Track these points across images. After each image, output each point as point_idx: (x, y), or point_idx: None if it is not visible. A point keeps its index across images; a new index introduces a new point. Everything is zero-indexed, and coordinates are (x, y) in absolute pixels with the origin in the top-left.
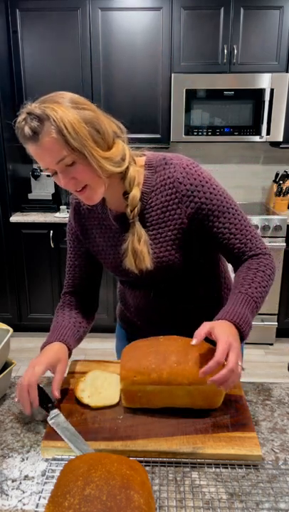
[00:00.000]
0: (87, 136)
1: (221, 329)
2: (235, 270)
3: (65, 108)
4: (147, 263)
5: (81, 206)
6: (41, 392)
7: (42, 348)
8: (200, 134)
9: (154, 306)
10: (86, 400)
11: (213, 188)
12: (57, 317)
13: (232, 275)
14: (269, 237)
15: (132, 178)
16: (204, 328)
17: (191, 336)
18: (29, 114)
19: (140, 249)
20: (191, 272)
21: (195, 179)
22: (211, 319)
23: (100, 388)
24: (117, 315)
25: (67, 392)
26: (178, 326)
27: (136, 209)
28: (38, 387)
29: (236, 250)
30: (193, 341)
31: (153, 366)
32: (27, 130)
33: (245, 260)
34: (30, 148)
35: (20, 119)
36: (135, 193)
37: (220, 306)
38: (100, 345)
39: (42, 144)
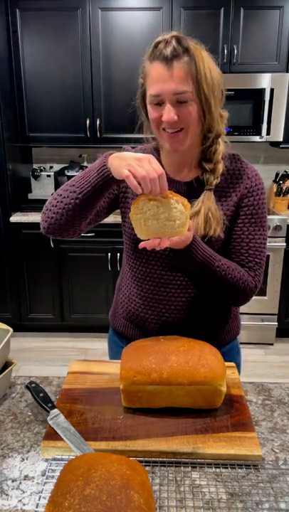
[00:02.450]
0: (218, 86)
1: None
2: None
3: (207, 55)
4: (219, 229)
5: None
6: (41, 392)
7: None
8: None
9: (161, 289)
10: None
11: (265, 202)
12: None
13: None
14: (269, 237)
15: (221, 149)
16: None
17: (191, 336)
18: (177, 37)
19: (216, 214)
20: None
21: (260, 183)
22: (210, 315)
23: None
24: (111, 318)
25: (68, 392)
26: (181, 319)
27: (218, 178)
28: (38, 387)
29: (244, 257)
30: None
31: (153, 366)
32: (169, 49)
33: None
34: (156, 69)
35: (164, 37)
36: (222, 165)
37: (222, 306)
38: (100, 345)
39: (175, 68)
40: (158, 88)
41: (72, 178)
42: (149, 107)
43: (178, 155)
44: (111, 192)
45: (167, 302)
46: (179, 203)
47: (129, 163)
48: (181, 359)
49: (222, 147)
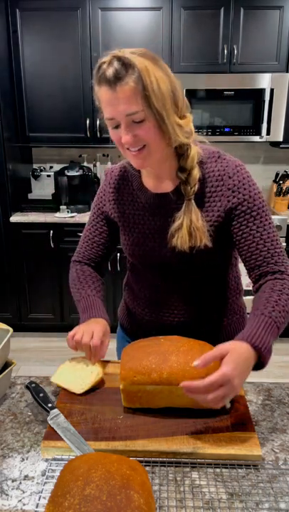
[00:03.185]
0: (169, 97)
1: (231, 358)
2: (252, 279)
3: (153, 63)
4: (205, 239)
5: (117, 178)
6: (41, 392)
7: (84, 319)
8: (200, 134)
9: (162, 295)
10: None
11: (258, 192)
12: (83, 288)
13: (243, 280)
14: None
15: (194, 155)
16: (216, 352)
17: (192, 336)
18: (116, 57)
19: (199, 225)
20: (208, 268)
21: (244, 178)
22: (213, 317)
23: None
24: (120, 314)
25: (68, 392)
26: (183, 321)
27: (196, 186)
28: (38, 387)
29: (261, 257)
30: (195, 363)
31: (153, 366)
32: (110, 72)
33: (267, 273)
34: (104, 93)
35: (104, 59)
36: (197, 170)
37: (225, 309)
38: None
39: (120, 91)
40: (110, 112)
41: (74, 289)
42: (109, 129)
43: (153, 168)
44: (104, 225)
45: (168, 310)
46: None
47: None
48: (181, 359)
49: (195, 151)
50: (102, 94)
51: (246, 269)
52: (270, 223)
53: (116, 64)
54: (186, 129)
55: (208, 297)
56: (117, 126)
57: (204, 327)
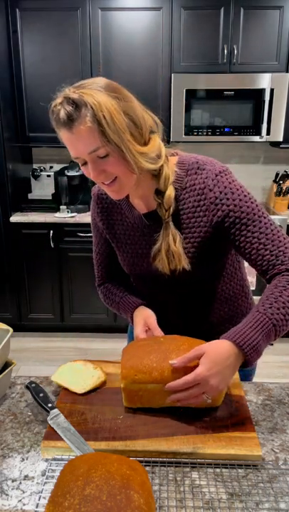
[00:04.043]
0: (125, 128)
1: (207, 359)
2: (266, 282)
3: (104, 96)
4: (184, 263)
5: (104, 199)
6: (41, 392)
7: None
8: (200, 134)
9: (163, 305)
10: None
11: (244, 195)
12: (115, 300)
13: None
14: None
15: (166, 176)
16: (192, 354)
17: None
18: (66, 98)
19: (176, 249)
20: (204, 280)
21: (225, 187)
22: (219, 325)
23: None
24: None
25: (68, 392)
26: (186, 324)
27: (171, 208)
28: (38, 387)
29: (266, 262)
30: (172, 361)
31: (154, 365)
32: (62, 115)
33: (275, 274)
34: (63, 135)
35: (56, 102)
36: (170, 192)
37: (229, 313)
38: (100, 345)
39: (76, 132)
40: (73, 153)
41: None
42: (81, 167)
43: (133, 193)
44: (104, 243)
45: (167, 318)
46: None
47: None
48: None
49: (168, 172)
50: (61, 135)
51: (258, 273)
52: (265, 223)
53: (67, 106)
54: (151, 154)
55: (206, 306)
56: (84, 163)
57: (210, 334)
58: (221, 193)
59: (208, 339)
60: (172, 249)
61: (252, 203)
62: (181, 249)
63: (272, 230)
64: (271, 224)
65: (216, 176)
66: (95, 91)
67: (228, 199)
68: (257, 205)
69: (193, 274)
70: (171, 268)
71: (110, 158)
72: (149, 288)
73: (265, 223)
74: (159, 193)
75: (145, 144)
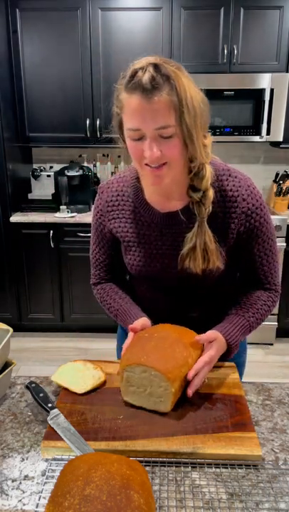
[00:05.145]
0: (200, 116)
1: (216, 345)
2: (244, 285)
3: (187, 78)
4: (218, 261)
5: (114, 196)
6: (41, 392)
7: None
8: None
9: (163, 312)
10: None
11: (268, 216)
12: (110, 304)
13: None
14: None
15: (209, 176)
16: (210, 337)
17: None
18: (154, 64)
19: (213, 248)
20: (216, 286)
21: (257, 201)
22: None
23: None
24: None
25: (68, 392)
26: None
27: (210, 207)
28: (38, 386)
29: (257, 278)
30: (197, 337)
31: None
32: (146, 79)
33: (259, 287)
34: (135, 101)
35: (141, 65)
36: (211, 193)
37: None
38: (100, 346)
39: (154, 102)
40: (138, 123)
41: (112, 308)
42: (128, 141)
43: (162, 186)
44: (106, 243)
45: (169, 314)
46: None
47: None
48: (181, 348)
49: (209, 172)
50: (131, 101)
51: (240, 278)
52: (271, 246)
53: (154, 72)
54: (208, 149)
55: (211, 309)
56: (139, 139)
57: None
58: (253, 205)
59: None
60: (209, 247)
61: (270, 223)
62: (218, 247)
63: (274, 254)
64: (276, 246)
65: (249, 186)
66: (180, 71)
67: (257, 214)
68: (272, 226)
69: (218, 275)
70: (204, 267)
71: (173, 141)
72: (153, 292)
73: (272, 245)
74: (197, 190)
75: (204, 138)
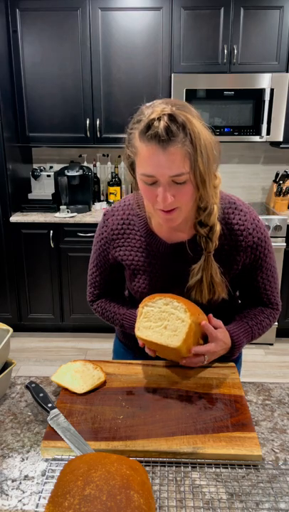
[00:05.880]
0: (213, 161)
1: (222, 335)
2: (245, 304)
3: (201, 124)
4: (224, 293)
5: (120, 224)
6: (41, 392)
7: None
8: None
9: None
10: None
11: (271, 246)
12: (114, 314)
13: None
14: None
15: (216, 212)
16: (217, 324)
17: None
18: (170, 115)
19: (219, 281)
20: (217, 309)
21: (262, 233)
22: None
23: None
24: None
25: (68, 392)
26: None
27: (216, 242)
28: (38, 386)
29: (262, 300)
30: (203, 322)
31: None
32: (162, 129)
33: (261, 306)
34: (149, 150)
35: (154, 115)
36: (219, 228)
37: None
38: (100, 346)
39: (169, 152)
40: (152, 170)
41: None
42: (140, 183)
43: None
44: (109, 267)
45: None
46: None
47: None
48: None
49: (217, 208)
50: (146, 150)
51: (240, 298)
52: (273, 272)
53: (170, 122)
54: (218, 190)
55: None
56: (152, 183)
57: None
58: (258, 239)
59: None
60: (214, 280)
61: (272, 253)
62: (223, 280)
63: (275, 280)
64: (276, 273)
65: (254, 220)
66: (191, 116)
67: (262, 246)
68: (273, 255)
69: (221, 303)
70: (209, 298)
71: (186, 187)
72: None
73: (273, 273)
74: (204, 225)
75: (215, 177)
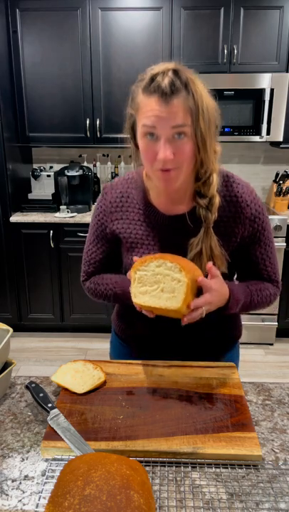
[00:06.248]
0: (214, 124)
1: (216, 285)
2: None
3: (202, 86)
4: (223, 266)
5: (118, 197)
6: (41, 392)
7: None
8: None
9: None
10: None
11: (268, 220)
12: (106, 285)
13: None
14: None
15: (216, 182)
16: (215, 273)
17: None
18: (175, 70)
19: (219, 253)
20: None
21: (259, 206)
22: (213, 333)
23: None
24: (116, 323)
25: (67, 392)
26: (184, 339)
27: (216, 214)
28: (38, 386)
29: (262, 276)
30: (210, 264)
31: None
32: (166, 83)
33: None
34: (153, 103)
35: (162, 69)
36: (218, 199)
37: (225, 323)
38: (100, 346)
39: (172, 104)
40: (153, 121)
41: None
42: (141, 141)
43: (172, 190)
44: (106, 244)
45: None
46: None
47: None
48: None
49: (216, 179)
50: (148, 103)
51: (240, 278)
52: (272, 248)
53: (174, 77)
54: (218, 155)
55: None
56: (152, 134)
57: (202, 331)
58: (256, 210)
59: (199, 346)
60: (214, 253)
61: (270, 227)
62: (223, 252)
63: (274, 256)
64: (274, 247)
65: (251, 192)
66: (198, 80)
67: (260, 219)
68: (271, 230)
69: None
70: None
71: (186, 143)
72: None
73: (272, 248)
74: (203, 196)
75: (216, 144)
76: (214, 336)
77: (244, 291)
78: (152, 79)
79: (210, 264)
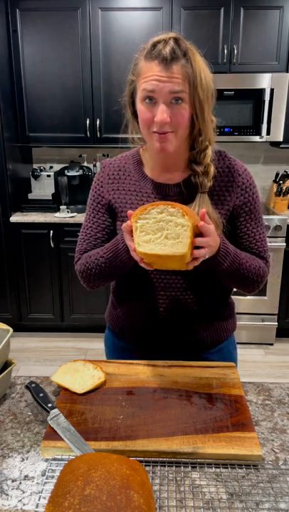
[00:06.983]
0: (211, 93)
1: (214, 231)
2: None
3: (200, 57)
4: (219, 231)
5: (116, 170)
6: (41, 392)
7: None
8: None
9: (159, 285)
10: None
11: (258, 194)
12: (100, 250)
13: None
14: (269, 237)
15: (210, 153)
16: (208, 220)
17: (189, 335)
18: (177, 39)
19: (215, 217)
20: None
21: (250, 178)
22: (205, 312)
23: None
24: (107, 316)
25: (67, 392)
26: (179, 319)
27: (211, 180)
28: (38, 386)
29: (251, 250)
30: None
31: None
32: (167, 50)
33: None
34: (153, 68)
35: (164, 37)
36: (213, 168)
37: (218, 304)
38: (100, 346)
39: (171, 69)
40: (154, 85)
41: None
42: (140, 105)
43: (165, 157)
44: (105, 220)
45: (161, 304)
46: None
47: None
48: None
49: (210, 151)
50: (149, 67)
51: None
52: (261, 224)
53: (175, 45)
54: (214, 126)
55: (204, 291)
56: (151, 98)
57: (195, 322)
58: (247, 181)
59: (194, 328)
60: (211, 216)
61: (260, 202)
62: (219, 216)
63: (263, 232)
64: (264, 226)
65: (242, 165)
66: (197, 51)
67: (250, 190)
68: (261, 206)
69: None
70: None
71: (183, 109)
72: (150, 271)
73: (261, 223)
74: (199, 164)
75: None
76: (210, 325)
77: (234, 248)
78: (154, 46)
79: (203, 210)
